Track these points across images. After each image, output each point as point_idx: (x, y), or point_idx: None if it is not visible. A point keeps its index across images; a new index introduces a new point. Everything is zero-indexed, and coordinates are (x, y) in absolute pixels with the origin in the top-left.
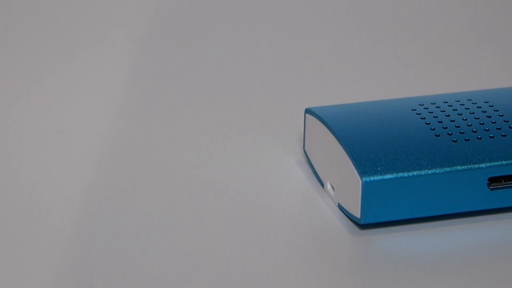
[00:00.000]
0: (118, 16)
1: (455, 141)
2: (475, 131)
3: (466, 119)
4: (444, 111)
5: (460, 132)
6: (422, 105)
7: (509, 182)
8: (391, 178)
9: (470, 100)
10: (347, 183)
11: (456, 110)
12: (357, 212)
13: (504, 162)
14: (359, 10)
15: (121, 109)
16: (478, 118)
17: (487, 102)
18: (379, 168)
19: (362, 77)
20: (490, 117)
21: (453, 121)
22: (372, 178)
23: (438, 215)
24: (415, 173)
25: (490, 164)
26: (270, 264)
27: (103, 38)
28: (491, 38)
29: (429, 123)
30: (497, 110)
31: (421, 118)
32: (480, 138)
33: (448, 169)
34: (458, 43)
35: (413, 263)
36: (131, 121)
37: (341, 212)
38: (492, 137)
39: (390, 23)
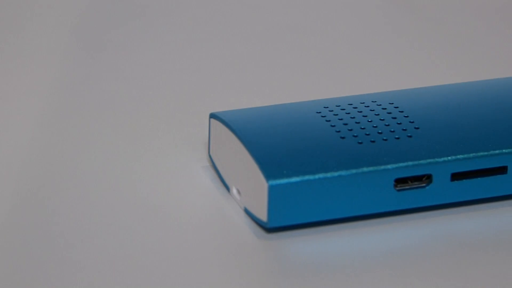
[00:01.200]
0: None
1: (361, 143)
2: (381, 133)
3: (371, 121)
4: (349, 113)
5: (366, 134)
6: (327, 107)
7: (416, 183)
8: (297, 181)
9: (375, 101)
10: (253, 187)
11: (361, 112)
12: (263, 216)
13: (410, 163)
14: (263, 15)
15: (31, 117)
16: (383, 120)
17: (392, 103)
18: (284, 172)
19: (267, 81)
20: (395, 118)
21: (358, 123)
22: (278, 182)
23: (346, 217)
24: (321, 175)
25: (396, 165)
26: (176, 271)
27: (22, 45)
28: (391, 41)
29: (334, 125)
30: (402, 111)
31: (326, 121)
32: (386, 140)
33: (354, 171)
34: (362, 45)
35: (321, 266)
36: (39, 126)
37: (247, 216)
38: (398, 138)
39: (294, 28)
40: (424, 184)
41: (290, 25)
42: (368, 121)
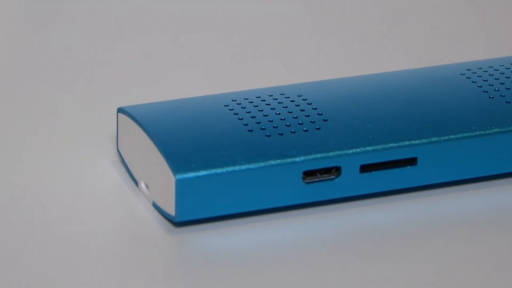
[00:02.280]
0: None
1: (269, 136)
2: (289, 125)
3: (279, 113)
4: (257, 106)
5: (274, 127)
6: (235, 100)
7: (324, 175)
8: (204, 175)
9: (283, 94)
10: (161, 181)
11: (269, 104)
12: (171, 210)
13: (319, 155)
14: (168, 8)
15: None
16: (291, 112)
17: (300, 95)
18: (192, 165)
19: (174, 76)
20: (303, 110)
21: (266, 115)
22: (185, 176)
23: (256, 210)
24: (228, 169)
25: (304, 157)
26: (84, 268)
27: None
28: (302, 33)
29: (242, 119)
30: (310, 104)
31: (234, 114)
32: (294, 132)
33: (262, 164)
34: (272, 39)
35: (230, 259)
36: None
37: (156, 210)
38: (306, 130)
39: (199, 23)
40: (333, 177)
41: (196, 20)
42: (276, 113)
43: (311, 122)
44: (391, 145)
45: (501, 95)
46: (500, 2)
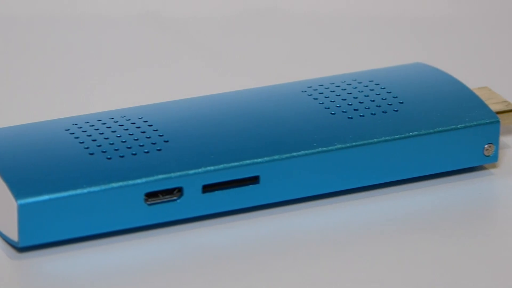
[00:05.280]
0: None
1: (110, 158)
2: (130, 147)
3: (120, 136)
4: (97, 129)
5: (115, 149)
6: (76, 124)
7: (167, 196)
8: (47, 199)
9: (124, 116)
10: (3, 207)
11: (110, 127)
12: (14, 236)
13: (160, 177)
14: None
15: None
16: (132, 134)
17: (141, 118)
18: (34, 190)
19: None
20: (144, 132)
21: (107, 138)
22: (27, 201)
23: (100, 233)
24: (71, 192)
25: (145, 179)
26: None
27: None
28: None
29: (82, 142)
30: (151, 125)
31: (75, 138)
32: (135, 154)
33: (103, 186)
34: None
35: (76, 283)
36: None
37: None
38: (147, 152)
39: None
40: (175, 197)
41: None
42: (117, 136)
43: (152, 143)
44: (232, 164)
45: (342, 111)
46: (341, 23)
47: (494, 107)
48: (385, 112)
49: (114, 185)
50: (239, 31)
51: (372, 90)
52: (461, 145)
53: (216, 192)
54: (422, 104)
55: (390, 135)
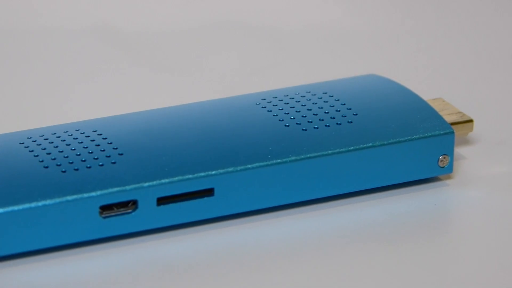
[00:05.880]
0: None
1: (64, 172)
2: (84, 160)
3: (74, 149)
4: (52, 142)
5: (69, 163)
6: (30, 138)
7: (121, 209)
8: (1, 213)
9: (78, 130)
10: None
11: (64, 140)
12: None
13: (115, 189)
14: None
15: None
16: (86, 147)
17: (96, 131)
18: None
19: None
20: (99, 145)
21: (62, 151)
22: None
23: (56, 246)
24: (25, 206)
25: (100, 192)
26: None
27: None
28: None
29: (37, 155)
30: (105, 138)
31: (30, 151)
32: (90, 167)
33: (58, 200)
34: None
35: None
36: None
37: None
38: (102, 165)
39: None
40: (130, 210)
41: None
42: (72, 149)
43: (106, 156)
44: (187, 176)
45: (297, 123)
46: (296, 35)
47: (449, 118)
48: (339, 124)
49: (69, 198)
50: (195, 44)
51: (326, 102)
52: (416, 156)
53: (171, 204)
54: (376, 115)
55: (344, 147)
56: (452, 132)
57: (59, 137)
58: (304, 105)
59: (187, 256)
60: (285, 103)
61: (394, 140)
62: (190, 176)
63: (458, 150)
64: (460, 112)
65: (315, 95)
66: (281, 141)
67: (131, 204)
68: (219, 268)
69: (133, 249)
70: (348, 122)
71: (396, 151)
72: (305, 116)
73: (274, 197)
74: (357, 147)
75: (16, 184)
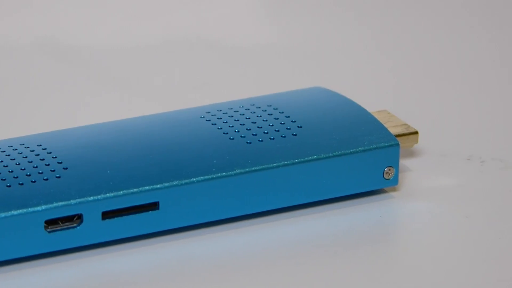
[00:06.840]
0: None
1: (9, 186)
2: (29, 175)
3: (19, 164)
4: (9, 155)
5: (14, 177)
6: (4, 151)
7: (66, 223)
8: None
9: (23, 144)
10: None
11: (9, 155)
12: None
13: (60, 204)
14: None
15: None
16: (31, 162)
17: (40, 145)
18: None
19: None
20: (43, 160)
21: (6, 166)
22: None
23: (3, 261)
24: None
25: (45, 206)
26: None
27: None
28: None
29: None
30: (50, 153)
31: None
32: (34, 182)
33: (3, 214)
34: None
35: None
36: None
37: None
38: (46, 179)
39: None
40: (75, 224)
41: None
42: (16, 164)
43: (51, 170)
44: (131, 190)
45: (241, 136)
46: (241, 50)
47: (394, 130)
48: (284, 137)
49: (14, 212)
50: (141, 59)
51: (271, 114)
52: (361, 169)
53: (116, 218)
54: (321, 128)
55: (289, 160)
56: (397, 144)
57: (4, 151)
58: (249, 118)
59: (132, 270)
60: (229, 116)
61: (339, 152)
62: (135, 190)
63: (403, 162)
64: (405, 124)
65: (259, 108)
66: (225, 154)
67: (76, 219)
68: (165, 282)
69: (79, 263)
70: (293, 134)
71: (341, 163)
72: (250, 129)
73: (219, 211)
74: (302, 159)
75: None
